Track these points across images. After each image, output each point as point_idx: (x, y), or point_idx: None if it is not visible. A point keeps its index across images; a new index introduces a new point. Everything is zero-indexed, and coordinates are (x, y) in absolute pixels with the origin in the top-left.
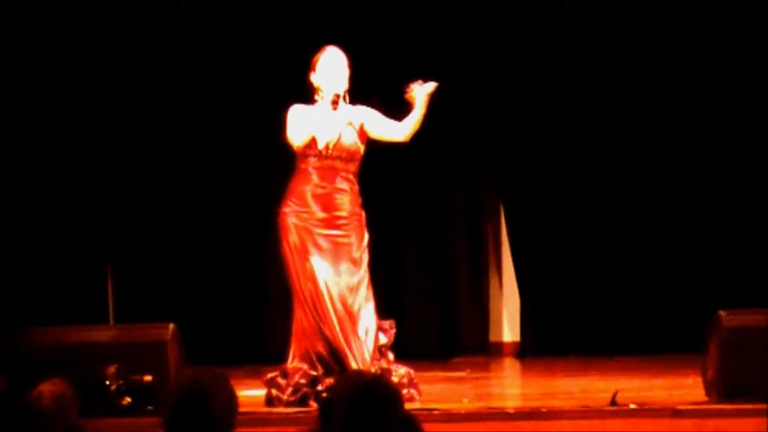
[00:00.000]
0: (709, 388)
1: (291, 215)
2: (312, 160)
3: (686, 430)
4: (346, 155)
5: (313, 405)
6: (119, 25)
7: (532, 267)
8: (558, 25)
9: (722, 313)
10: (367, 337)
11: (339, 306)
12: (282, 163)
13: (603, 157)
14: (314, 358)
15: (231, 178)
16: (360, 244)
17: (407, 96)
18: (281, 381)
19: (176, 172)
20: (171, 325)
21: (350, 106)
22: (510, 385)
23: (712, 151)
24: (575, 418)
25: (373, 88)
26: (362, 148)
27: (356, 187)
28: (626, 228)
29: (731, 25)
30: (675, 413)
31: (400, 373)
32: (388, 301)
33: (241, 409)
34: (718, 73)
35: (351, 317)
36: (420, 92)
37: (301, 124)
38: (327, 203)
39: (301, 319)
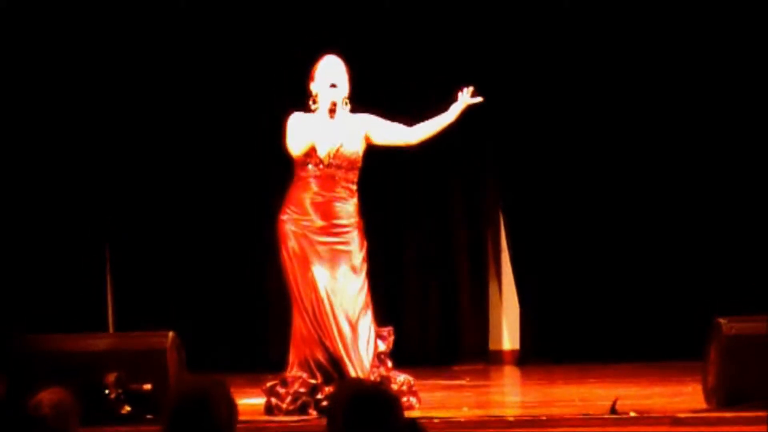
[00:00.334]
0: (708, 395)
1: (290, 223)
2: (311, 168)
3: None
4: (347, 164)
5: (313, 413)
6: (120, 30)
7: (531, 275)
8: (556, 35)
9: (722, 320)
10: (366, 345)
11: (339, 314)
12: (282, 170)
13: (602, 164)
14: (313, 367)
15: (231, 185)
16: (359, 252)
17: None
18: (280, 389)
19: (176, 179)
20: (170, 333)
21: (351, 114)
22: (510, 393)
23: (710, 158)
24: (575, 426)
25: (374, 93)
26: (362, 157)
27: (355, 195)
28: (625, 236)
29: (731, 25)
30: (675, 421)
31: (399, 380)
32: (389, 309)
33: (241, 418)
34: (717, 79)
35: (350, 325)
36: (462, 99)
37: (302, 133)
38: (326, 211)
39: (299, 326)
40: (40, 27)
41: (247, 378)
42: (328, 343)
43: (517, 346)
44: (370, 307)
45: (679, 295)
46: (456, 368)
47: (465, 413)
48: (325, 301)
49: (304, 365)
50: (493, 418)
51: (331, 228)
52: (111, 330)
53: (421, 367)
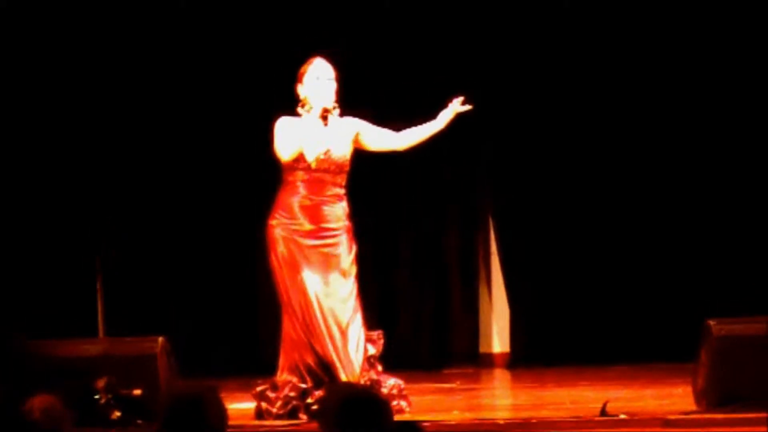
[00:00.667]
0: (699, 397)
1: (279, 227)
2: (300, 173)
3: None
4: (335, 168)
5: (303, 418)
6: (107, 39)
7: (521, 278)
8: (548, 41)
9: (712, 322)
10: (356, 349)
11: (329, 318)
12: (270, 174)
13: (591, 168)
14: (304, 371)
15: (220, 189)
16: (348, 255)
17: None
18: (271, 394)
19: (166, 184)
20: (160, 339)
21: (339, 117)
22: (500, 396)
23: (697, 162)
24: (566, 429)
25: (362, 96)
26: (350, 160)
27: (344, 199)
28: (615, 238)
29: (727, 26)
30: (665, 423)
31: (389, 384)
32: (379, 312)
33: (231, 422)
34: (709, 81)
35: (340, 329)
36: (452, 107)
37: (290, 137)
38: (315, 215)
39: (289, 331)
40: (29, 38)
41: (238, 382)
42: (318, 347)
43: (507, 349)
44: (360, 310)
45: (669, 298)
46: (446, 371)
47: (455, 417)
48: (315, 305)
49: (294, 369)
50: (483, 422)
51: (320, 231)
52: (101, 335)
53: (411, 371)
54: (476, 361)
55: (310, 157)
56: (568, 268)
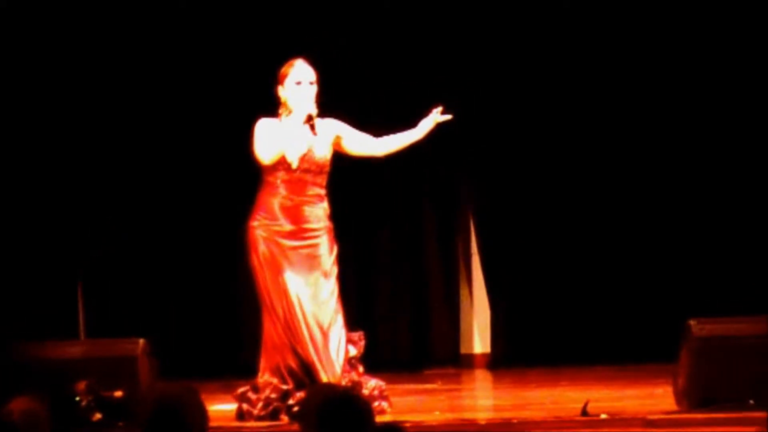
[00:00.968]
0: (679, 397)
1: (260, 228)
2: (280, 173)
3: None
4: (316, 168)
5: (284, 419)
6: (92, 41)
7: (502, 278)
8: (528, 45)
9: (692, 322)
10: (337, 350)
11: (310, 320)
12: (250, 176)
13: (572, 169)
14: (285, 372)
15: (201, 192)
16: (330, 256)
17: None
18: (252, 395)
19: (146, 186)
20: (141, 340)
21: (319, 118)
22: (481, 397)
23: (680, 162)
24: (547, 429)
25: (343, 100)
26: (330, 161)
27: (325, 200)
28: (596, 239)
29: (725, 26)
30: (646, 423)
31: (370, 385)
32: (360, 313)
33: (212, 424)
34: (682, 76)
35: (321, 330)
36: (432, 117)
37: (270, 140)
38: (296, 215)
39: (270, 332)
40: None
41: (219, 384)
42: (299, 349)
43: (488, 349)
44: (341, 311)
45: (649, 298)
46: (427, 372)
47: (437, 417)
48: (296, 307)
49: (276, 371)
50: (464, 422)
51: (300, 232)
52: (82, 337)
53: (392, 372)
54: (457, 362)
55: (292, 159)
56: (549, 268)
